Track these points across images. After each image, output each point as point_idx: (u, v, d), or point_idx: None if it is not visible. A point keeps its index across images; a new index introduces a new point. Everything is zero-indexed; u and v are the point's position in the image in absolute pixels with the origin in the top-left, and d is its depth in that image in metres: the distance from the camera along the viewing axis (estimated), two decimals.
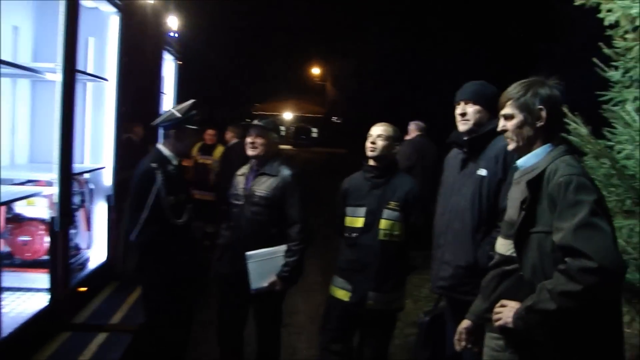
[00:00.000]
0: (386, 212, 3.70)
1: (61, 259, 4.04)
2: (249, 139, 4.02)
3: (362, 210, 3.77)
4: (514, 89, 2.44)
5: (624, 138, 3.77)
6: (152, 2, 6.14)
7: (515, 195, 2.47)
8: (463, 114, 3.24)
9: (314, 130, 52.60)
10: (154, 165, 3.80)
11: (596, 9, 4.19)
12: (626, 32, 4.01)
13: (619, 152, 3.78)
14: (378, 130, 3.78)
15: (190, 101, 4.00)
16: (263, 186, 4.00)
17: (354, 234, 3.79)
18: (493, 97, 3.06)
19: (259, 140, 3.99)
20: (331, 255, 5.94)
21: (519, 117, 2.39)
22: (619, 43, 4.07)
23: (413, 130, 8.25)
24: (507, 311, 2.29)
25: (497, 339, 2.47)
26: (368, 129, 3.92)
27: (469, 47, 24.28)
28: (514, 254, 2.37)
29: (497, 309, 2.36)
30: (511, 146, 2.46)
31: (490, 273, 2.59)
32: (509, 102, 2.42)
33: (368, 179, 3.83)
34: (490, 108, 3.14)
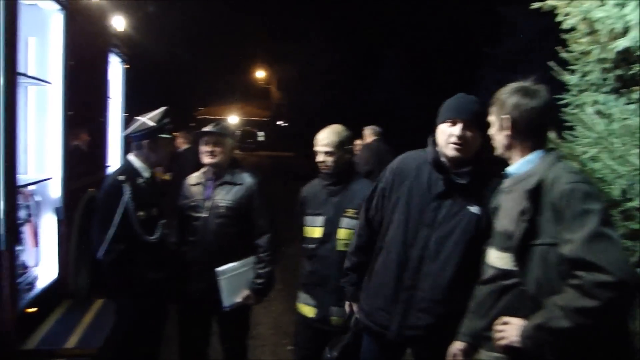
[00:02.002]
0: (345, 221, 3.45)
1: (7, 280, 3.67)
2: (206, 147, 3.74)
3: (320, 220, 3.54)
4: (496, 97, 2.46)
5: (587, 141, 3.75)
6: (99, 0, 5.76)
7: (508, 204, 2.33)
8: (460, 138, 2.68)
9: (260, 133, 52.27)
10: (121, 178, 3.49)
11: (536, 11, 4.19)
12: (582, 35, 4.02)
13: (582, 154, 3.74)
14: (324, 147, 3.53)
15: (162, 109, 3.69)
16: (228, 196, 3.73)
17: (312, 245, 3.56)
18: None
19: (217, 148, 3.73)
20: (288, 262, 5.79)
21: (495, 125, 2.44)
22: (576, 47, 4.07)
23: (369, 135, 8.17)
24: (511, 329, 2.12)
25: (500, 359, 2.28)
26: (314, 132, 3.67)
27: (414, 49, 24.64)
28: (513, 268, 2.20)
29: (499, 327, 2.18)
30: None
31: (484, 288, 2.38)
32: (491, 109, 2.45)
33: (325, 187, 3.61)
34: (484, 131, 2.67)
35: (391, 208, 2.91)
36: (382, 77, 27.81)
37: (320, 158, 3.56)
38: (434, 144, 2.83)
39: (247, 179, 3.79)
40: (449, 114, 2.74)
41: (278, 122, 52.40)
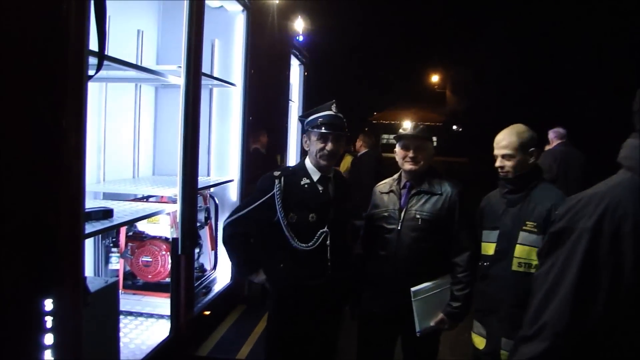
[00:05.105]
0: (522, 236, 2.90)
1: (184, 285, 3.60)
2: (408, 153, 3.31)
3: (495, 234, 3.04)
4: None
5: None
6: (279, 1, 5.67)
7: None
8: None
9: (434, 139, 51.30)
10: (276, 173, 3.18)
11: None
12: None
13: None
14: (502, 150, 3.03)
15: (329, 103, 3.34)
16: (426, 206, 3.25)
17: (486, 264, 3.06)
18: None
19: (420, 154, 3.29)
20: None
21: None
22: None
23: (553, 139, 7.25)
24: None
25: None
26: (490, 137, 3.19)
27: (596, 46, 22.47)
28: None
29: None
30: None
31: None
32: None
33: (503, 196, 3.08)
34: None
35: None
36: (564, 74, 25.58)
37: (498, 163, 3.05)
38: None
39: (447, 188, 3.30)
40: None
41: (453, 127, 51.12)
